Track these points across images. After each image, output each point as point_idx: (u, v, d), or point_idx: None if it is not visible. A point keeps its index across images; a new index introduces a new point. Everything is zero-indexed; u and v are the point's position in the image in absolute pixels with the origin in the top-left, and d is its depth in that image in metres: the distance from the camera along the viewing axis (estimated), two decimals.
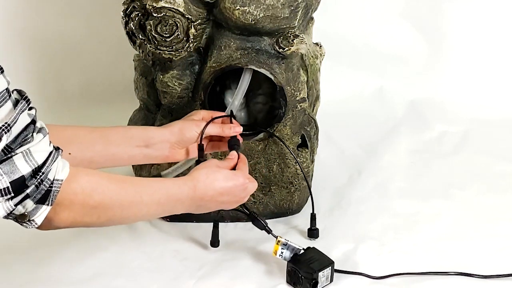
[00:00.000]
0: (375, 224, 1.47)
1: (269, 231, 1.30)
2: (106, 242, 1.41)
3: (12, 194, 0.93)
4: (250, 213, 1.30)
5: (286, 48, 1.33)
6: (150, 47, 1.31)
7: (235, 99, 1.35)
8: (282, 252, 1.27)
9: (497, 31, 2.04)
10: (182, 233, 1.44)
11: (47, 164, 0.95)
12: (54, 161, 0.96)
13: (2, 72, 0.91)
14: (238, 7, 1.27)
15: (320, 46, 1.51)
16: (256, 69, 1.33)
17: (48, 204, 0.96)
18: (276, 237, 1.28)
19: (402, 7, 2.06)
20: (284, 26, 1.32)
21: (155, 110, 1.46)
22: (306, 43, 1.35)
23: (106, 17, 1.93)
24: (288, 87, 1.37)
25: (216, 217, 1.38)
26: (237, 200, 1.21)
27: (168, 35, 1.30)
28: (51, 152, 0.96)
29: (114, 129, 1.24)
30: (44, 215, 0.97)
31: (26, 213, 0.96)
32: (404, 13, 2.06)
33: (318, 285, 1.25)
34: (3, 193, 0.92)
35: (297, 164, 1.42)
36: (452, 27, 2.05)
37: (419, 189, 1.61)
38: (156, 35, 1.30)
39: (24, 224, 0.97)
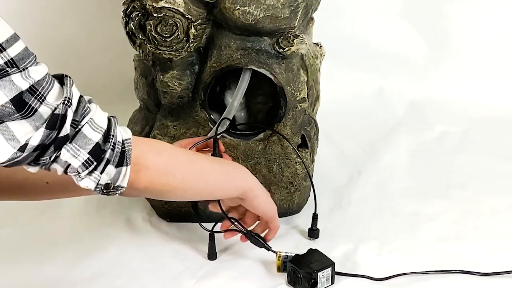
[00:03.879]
0: (375, 224, 1.47)
1: (268, 248, 1.30)
2: (106, 242, 1.41)
3: (95, 163, 0.95)
4: (248, 232, 1.30)
5: (286, 48, 1.33)
6: (150, 47, 1.31)
7: (234, 100, 1.35)
8: (285, 266, 1.28)
9: (497, 31, 2.04)
10: (182, 233, 1.44)
11: (112, 128, 0.97)
12: (117, 124, 0.99)
13: (36, 59, 0.91)
14: (238, 7, 1.27)
15: (320, 46, 1.51)
16: (256, 69, 1.34)
17: (126, 165, 0.98)
18: (276, 253, 1.29)
19: (401, 7, 2.06)
20: (284, 26, 1.32)
21: (155, 110, 1.46)
22: (306, 43, 1.35)
23: (106, 17, 1.93)
24: (288, 87, 1.37)
25: (213, 228, 1.37)
26: (273, 208, 1.28)
27: (168, 35, 1.30)
28: (109, 118, 0.99)
29: None
30: (127, 176, 0.99)
31: (109, 181, 0.98)
32: (404, 13, 2.06)
33: (318, 286, 1.25)
34: (86, 165, 0.94)
35: (297, 164, 1.42)
36: (452, 27, 2.05)
37: (419, 189, 1.60)
38: (156, 35, 1.30)
39: (111, 192, 0.99)
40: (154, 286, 1.30)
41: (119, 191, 1.00)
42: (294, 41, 1.33)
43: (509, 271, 1.30)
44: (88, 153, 0.94)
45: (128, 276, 1.32)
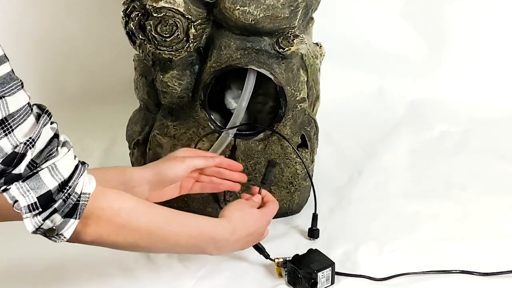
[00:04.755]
0: (375, 224, 1.47)
1: (267, 256, 1.30)
2: None
3: (40, 209, 0.92)
4: None
5: (286, 48, 1.33)
6: (150, 47, 1.31)
7: (242, 101, 1.35)
8: (286, 270, 1.28)
9: (497, 30, 2.04)
10: None
11: (73, 178, 0.94)
12: (81, 175, 0.96)
13: (22, 87, 0.90)
14: (238, 7, 1.27)
15: (320, 46, 1.51)
16: (256, 69, 1.34)
17: (76, 218, 0.96)
18: (274, 260, 1.29)
19: (402, 7, 2.06)
20: (284, 26, 1.32)
21: (155, 110, 1.46)
22: (306, 43, 1.35)
23: (106, 17, 1.93)
24: (288, 87, 1.37)
25: None
26: (257, 238, 1.24)
27: (168, 35, 1.30)
28: (77, 166, 0.96)
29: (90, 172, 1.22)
30: (72, 229, 0.96)
31: (54, 228, 0.95)
32: (404, 13, 2.06)
33: (318, 286, 1.25)
34: (31, 208, 0.92)
35: (297, 164, 1.42)
36: (452, 27, 2.05)
37: (419, 189, 1.60)
38: (156, 35, 1.30)
39: (53, 238, 0.97)
40: (154, 286, 1.30)
41: (61, 240, 0.98)
42: (294, 41, 1.33)
43: (509, 271, 1.30)
44: (37, 198, 0.91)
45: (128, 276, 1.32)
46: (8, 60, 0.88)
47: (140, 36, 1.32)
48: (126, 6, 1.33)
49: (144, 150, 1.49)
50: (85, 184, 0.96)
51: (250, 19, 1.28)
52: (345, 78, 2.03)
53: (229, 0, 1.27)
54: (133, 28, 1.32)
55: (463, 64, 2.04)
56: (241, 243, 1.19)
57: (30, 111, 0.91)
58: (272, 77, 1.34)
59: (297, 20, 1.32)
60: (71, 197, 0.94)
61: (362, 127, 1.87)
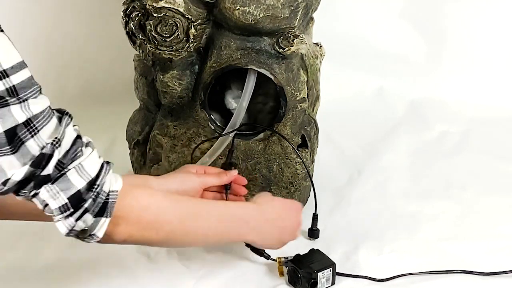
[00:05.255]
0: (375, 224, 1.47)
1: (267, 257, 1.31)
2: None
3: (72, 210, 0.93)
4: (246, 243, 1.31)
5: (286, 48, 1.33)
6: (150, 47, 1.31)
7: (242, 101, 1.35)
8: (288, 269, 1.28)
9: (497, 30, 2.04)
10: None
11: (101, 177, 0.95)
12: (107, 173, 0.96)
13: (41, 91, 0.91)
14: (238, 7, 1.27)
15: (320, 46, 1.51)
16: (256, 69, 1.34)
17: (106, 216, 0.96)
18: (275, 260, 1.29)
19: (401, 7, 2.06)
20: (284, 26, 1.32)
21: (155, 110, 1.46)
22: (306, 43, 1.35)
23: (106, 17, 1.93)
24: (288, 87, 1.37)
25: None
26: (292, 236, 1.26)
27: (168, 35, 1.30)
28: (102, 165, 0.96)
29: None
30: (104, 228, 0.96)
31: (86, 228, 0.95)
32: (404, 13, 2.06)
33: (318, 286, 1.25)
34: (62, 210, 0.92)
35: (297, 164, 1.42)
36: (452, 27, 2.05)
37: (419, 189, 1.60)
38: (156, 35, 1.30)
39: (86, 239, 0.97)
40: (154, 286, 1.30)
41: (94, 240, 0.98)
42: (294, 41, 1.33)
43: (510, 270, 1.30)
44: (68, 198, 0.92)
45: (128, 276, 1.32)
46: (27, 66, 0.89)
47: (140, 36, 1.32)
48: (126, 6, 1.33)
49: (144, 150, 1.49)
50: (112, 182, 0.97)
51: (250, 19, 1.28)
52: (345, 78, 2.03)
53: (229, 0, 1.27)
54: (133, 28, 1.32)
55: (463, 64, 2.04)
56: (276, 228, 1.22)
57: (52, 113, 0.92)
58: (272, 77, 1.34)
59: (297, 20, 1.32)
60: (100, 195, 0.94)
61: (362, 127, 1.87)
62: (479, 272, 1.30)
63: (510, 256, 1.35)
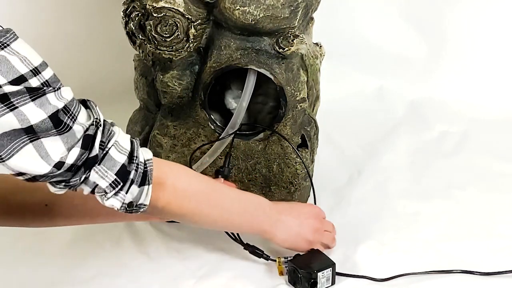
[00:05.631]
0: (375, 224, 1.47)
1: (267, 258, 1.31)
2: (107, 242, 1.41)
3: (121, 183, 0.99)
4: (246, 244, 1.32)
5: (286, 48, 1.33)
6: (150, 47, 1.31)
7: (242, 101, 1.35)
8: (287, 269, 1.28)
9: (497, 31, 2.04)
10: (182, 233, 1.44)
11: (135, 149, 1.01)
12: (139, 145, 1.03)
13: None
14: (238, 7, 1.27)
15: (320, 46, 1.51)
16: (256, 69, 1.34)
17: (149, 184, 1.02)
18: (275, 260, 1.30)
19: (402, 8, 2.06)
20: (284, 26, 1.32)
21: (155, 110, 1.46)
22: (306, 43, 1.35)
23: (106, 17, 1.93)
24: (288, 87, 1.37)
25: None
26: (314, 228, 1.31)
27: (168, 35, 1.30)
28: (131, 140, 1.02)
29: None
30: (149, 194, 1.03)
31: (132, 200, 1.01)
32: (404, 13, 2.06)
33: (318, 286, 1.25)
34: (114, 185, 0.98)
35: (297, 164, 1.42)
36: (452, 27, 2.05)
37: (419, 189, 1.60)
38: (156, 35, 1.30)
39: (134, 210, 1.03)
40: (154, 286, 1.30)
41: (142, 209, 1.04)
42: (294, 41, 1.33)
43: (510, 270, 1.30)
44: (115, 174, 0.98)
45: (128, 276, 1.33)
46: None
47: (140, 36, 1.32)
48: (126, 6, 1.33)
49: None
50: (145, 153, 1.03)
51: (250, 19, 1.28)
52: (345, 78, 2.03)
53: (229, 0, 1.27)
54: (133, 28, 1.32)
55: (463, 64, 2.04)
56: (292, 219, 1.28)
57: (78, 101, 0.96)
58: (272, 77, 1.34)
59: (297, 20, 1.32)
60: (140, 166, 1.01)
61: (362, 127, 1.87)
62: (479, 272, 1.30)
63: (510, 256, 1.35)
